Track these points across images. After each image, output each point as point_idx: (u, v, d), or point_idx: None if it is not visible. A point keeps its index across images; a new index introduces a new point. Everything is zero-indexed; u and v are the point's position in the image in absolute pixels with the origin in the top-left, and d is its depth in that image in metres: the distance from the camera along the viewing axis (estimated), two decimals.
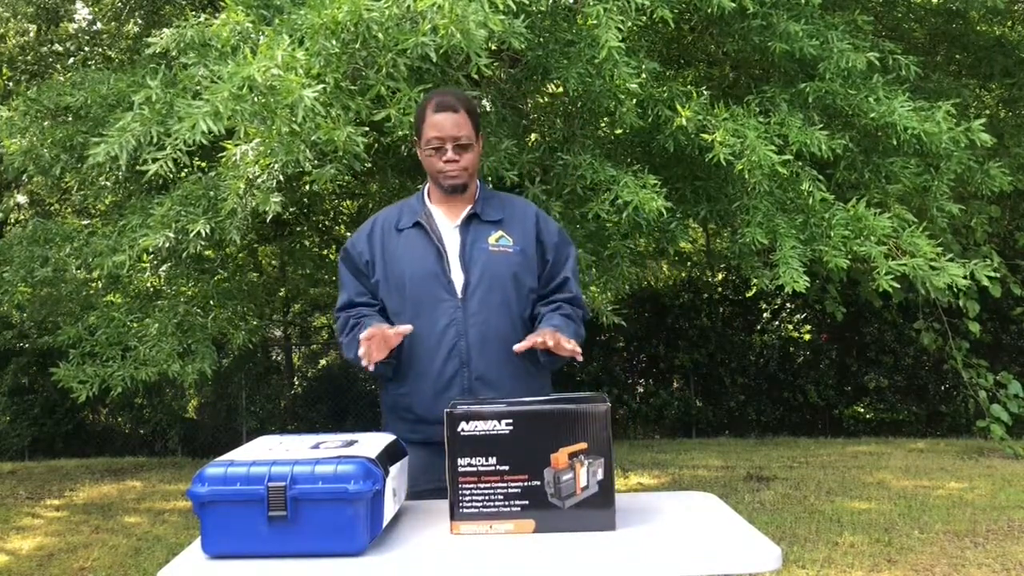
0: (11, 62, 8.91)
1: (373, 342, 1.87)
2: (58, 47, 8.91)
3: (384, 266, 2.06)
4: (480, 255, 2.02)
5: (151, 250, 4.10)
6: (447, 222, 2.07)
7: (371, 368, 1.90)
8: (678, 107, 3.65)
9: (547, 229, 2.10)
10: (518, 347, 1.89)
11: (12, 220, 10.10)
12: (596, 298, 4.58)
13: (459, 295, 2.00)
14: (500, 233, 2.05)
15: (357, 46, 2.82)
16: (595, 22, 3.24)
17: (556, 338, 1.86)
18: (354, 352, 1.93)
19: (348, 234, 8.59)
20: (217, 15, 3.26)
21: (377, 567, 1.39)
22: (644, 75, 3.52)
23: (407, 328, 1.91)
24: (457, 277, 2.01)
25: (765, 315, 9.59)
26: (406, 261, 2.04)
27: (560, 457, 1.53)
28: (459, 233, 2.05)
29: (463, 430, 1.55)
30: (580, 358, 1.90)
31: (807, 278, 3.63)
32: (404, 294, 2.02)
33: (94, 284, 5.25)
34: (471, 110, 2.05)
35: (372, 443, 1.61)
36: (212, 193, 3.81)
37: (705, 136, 3.56)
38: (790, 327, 9.44)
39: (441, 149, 2.01)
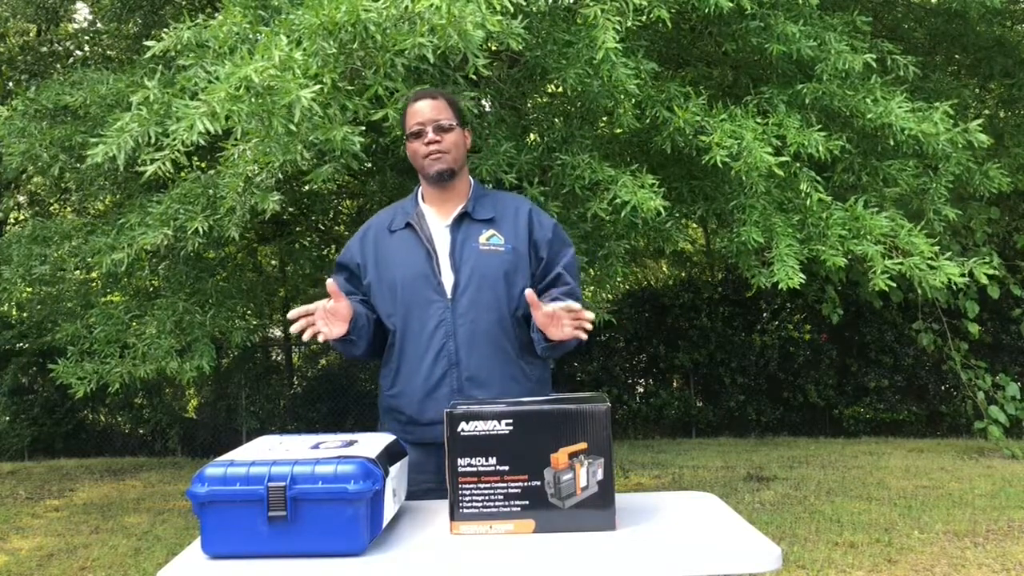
0: (11, 62, 8.90)
1: (317, 315, 1.85)
2: (58, 47, 8.91)
3: (377, 269, 2.06)
4: (470, 255, 2.01)
5: (149, 249, 4.10)
6: (439, 221, 2.06)
7: (330, 340, 1.89)
8: (676, 108, 3.66)
9: (541, 227, 2.07)
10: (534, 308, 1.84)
11: (12, 220, 10.10)
12: (591, 298, 4.59)
13: (448, 296, 1.99)
14: (491, 232, 2.03)
15: (355, 46, 2.82)
16: (593, 23, 3.24)
17: (558, 310, 1.80)
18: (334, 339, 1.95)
19: (348, 234, 8.62)
20: (216, 15, 3.26)
21: (377, 567, 1.39)
22: (643, 75, 3.52)
23: (331, 284, 1.88)
24: (447, 278, 2.00)
25: (765, 315, 9.58)
26: (397, 263, 2.03)
27: (560, 457, 1.53)
28: (449, 232, 2.04)
29: (463, 430, 1.55)
30: (584, 335, 1.83)
31: (803, 276, 3.63)
32: (396, 296, 2.02)
33: (94, 284, 5.25)
34: (452, 101, 2.07)
35: (372, 443, 1.61)
36: (211, 191, 3.81)
37: (703, 138, 3.57)
38: (790, 327, 9.42)
39: (422, 133, 2.01)
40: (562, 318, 1.82)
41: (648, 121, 3.79)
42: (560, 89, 4.44)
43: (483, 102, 4.30)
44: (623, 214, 3.62)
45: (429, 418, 1.97)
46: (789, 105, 3.94)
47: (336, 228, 8.41)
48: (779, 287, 3.64)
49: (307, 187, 6.08)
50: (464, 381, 1.97)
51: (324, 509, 1.42)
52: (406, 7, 2.64)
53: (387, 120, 3.04)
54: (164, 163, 3.10)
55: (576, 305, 1.81)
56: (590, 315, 1.81)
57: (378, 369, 2.12)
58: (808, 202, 3.86)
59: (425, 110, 2.02)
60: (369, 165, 4.44)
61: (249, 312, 6.34)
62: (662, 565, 1.39)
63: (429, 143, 2.01)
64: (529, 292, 1.83)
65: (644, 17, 3.43)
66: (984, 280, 3.97)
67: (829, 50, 3.76)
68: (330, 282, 1.88)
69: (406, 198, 2.17)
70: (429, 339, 1.98)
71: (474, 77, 3.37)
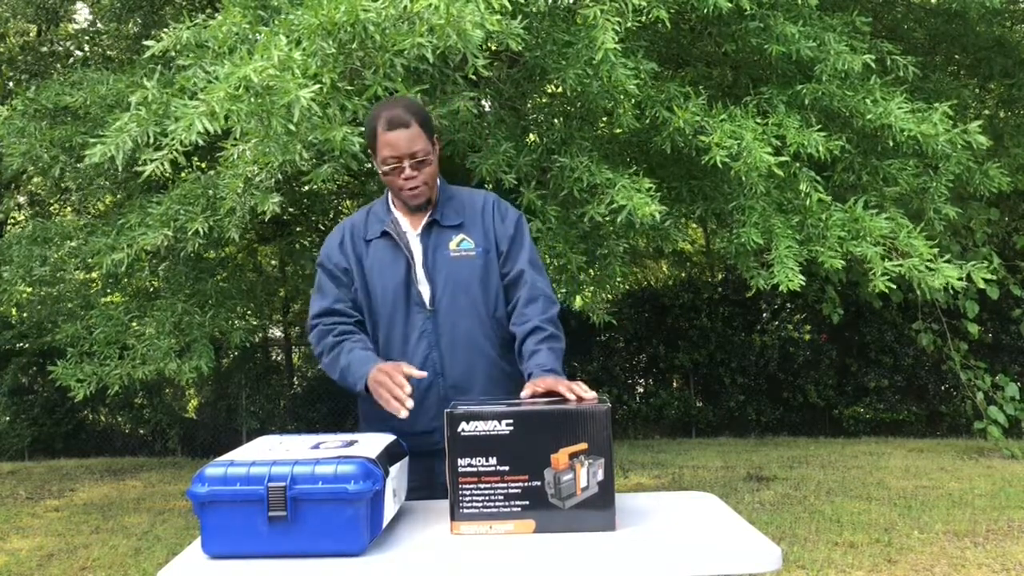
0: (11, 62, 8.91)
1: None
2: (58, 47, 8.92)
3: (359, 278, 2.05)
4: (443, 263, 2.00)
5: (149, 249, 4.10)
6: (410, 229, 2.05)
7: (403, 415, 1.81)
8: (676, 109, 3.66)
9: (501, 222, 2.05)
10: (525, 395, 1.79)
11: (12, 220, 10.10)
12: (591, 298, 4.59)
13: (428, 305, 1.99)
14: (461, 237, 2.02)
15: (354, 46, 2.82)
16: (593, 23, 3.24)
17: (566, 390, 1.71)
18: (337, 374, 1.96)
19: None
20: (216, 15, 3.26)
21: (377, 567, 1.39)
22: (643, 75, 3.52)
23: (422, 374, 1.86)
24: (424, 287, 2.00)
25: (765, 315, 9.58)
26: (377, 273, 2.03)
27: (560, 457, 1.53)
28: (420, 241, 2.03)
29: (463, 430, 1.55)
30: (588, 395, 1.71)
31: (803, 277, 3.63)
32: (378, 306, 2.02)
33: (94, 285, 5.25)
34: (423, 121, 1.98)
35: (372, 443, 1.61)
36: (211, 192, 3.81)
37: (703, 138, 3.57)
38: (790, 327, 9.43)
39: (399, 168, 1.97)
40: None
41: (648, 121, 3.79)
42: (560, 89, 4.44)
43: (483, 102, 4.30)
44: (619, 218, 3.62)
45: (421, 428, 1.97)
46: (789, 105, 3.94)
47: None
48: (779, 288, 3.65)
49: (307, 187, 6.08)
50: (448, 389, 1.98)
51: (324, 509, 1.42)
52: (405, 7, 2.64)
53: None
54: (163, 163, 3.10)
55: (584, 395, 1.70)
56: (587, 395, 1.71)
57: None
58: (808, 203, 3.86)
59: (400, 144, 1.94)
60: (369, 165, 4.43)
61: (249, 312, 6.35)
62: (662, 565, 1.39)
63: (407, 179, 1.98)
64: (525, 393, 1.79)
65: (644, 17, 3.43)
66: (982, 284, 3.97)
67: (828, 51, 3.76)
68: (419, 372, 1.85)
69: (375, 203, 2.15)
70: (414, 350, 1.98)
71: (474, 77, 3.37)
